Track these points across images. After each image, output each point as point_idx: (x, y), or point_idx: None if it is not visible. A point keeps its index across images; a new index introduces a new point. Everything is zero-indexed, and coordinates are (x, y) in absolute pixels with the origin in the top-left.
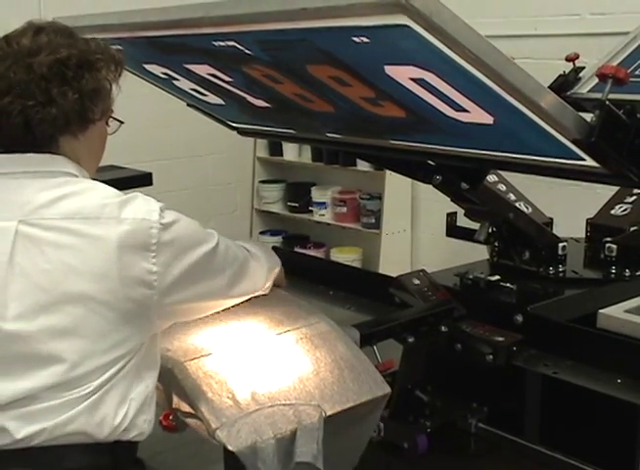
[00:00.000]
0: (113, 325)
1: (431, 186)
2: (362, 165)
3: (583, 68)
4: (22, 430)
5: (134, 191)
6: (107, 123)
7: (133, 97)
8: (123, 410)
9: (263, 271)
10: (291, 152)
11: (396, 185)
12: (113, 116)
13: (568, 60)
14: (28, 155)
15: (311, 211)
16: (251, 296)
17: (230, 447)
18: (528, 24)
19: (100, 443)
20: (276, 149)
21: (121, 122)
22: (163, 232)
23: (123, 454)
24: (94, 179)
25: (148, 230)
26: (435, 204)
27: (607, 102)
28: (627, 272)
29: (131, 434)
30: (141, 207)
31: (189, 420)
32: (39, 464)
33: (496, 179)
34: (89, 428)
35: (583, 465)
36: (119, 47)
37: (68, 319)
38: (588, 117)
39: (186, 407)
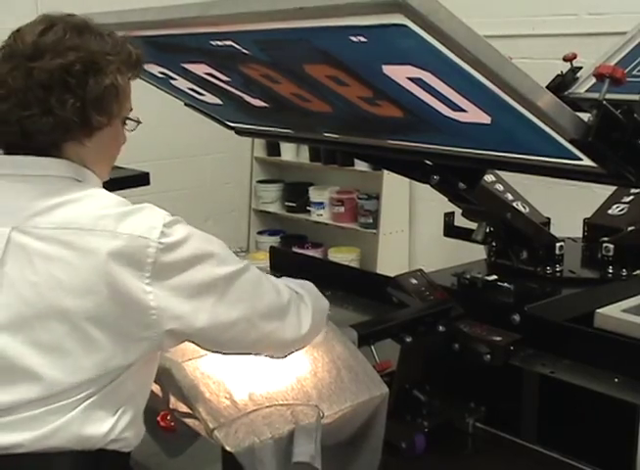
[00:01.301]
0: (99, 342)
1: (428, 186)
2: (360, 166)
3: (581, 67)
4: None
5: (133, 190)
6: (124, 122)
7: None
8: (109, 425)
9: (308, 315)
10: (288, 152)
11: (394, 185)
12: (129, 116)
13: (565, 60)
14: (29, 158)
15: (309, 211)
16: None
17: (228, 448)
18: (526, 24)
19: (85, 451)
20: (274, 149)
21: (139, 122)
22: (163, 253)
23: (110, 463)
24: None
25: (144, 249)
26: (433, 204)
27: (604, 102)
28: (624, 272)
29: (117, 445)
30: (142, 221)
31: (187, 420)
32: None
33: (494, 179)
34: (70, 443)
35: (581, 464)
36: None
37: (50, 335)
38: (586, 116)
39: (183, 408)
